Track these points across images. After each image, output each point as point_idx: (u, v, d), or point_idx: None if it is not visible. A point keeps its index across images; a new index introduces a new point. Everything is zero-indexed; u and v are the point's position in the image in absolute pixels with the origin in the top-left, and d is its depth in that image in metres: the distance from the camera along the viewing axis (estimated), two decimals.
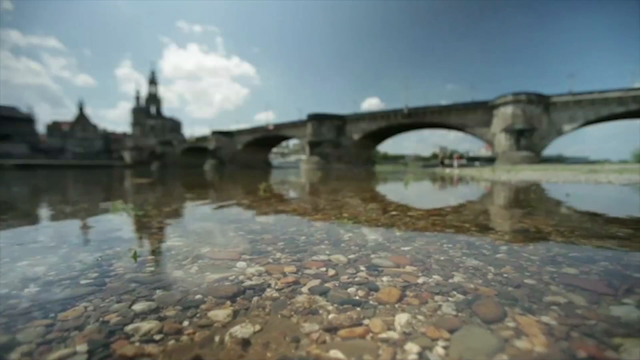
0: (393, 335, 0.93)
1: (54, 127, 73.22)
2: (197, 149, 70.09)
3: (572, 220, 2.90)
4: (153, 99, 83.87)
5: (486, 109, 41.99)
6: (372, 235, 2.27)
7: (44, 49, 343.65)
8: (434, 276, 1.41)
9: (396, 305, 1.13)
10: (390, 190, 7.14)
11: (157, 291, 1.30)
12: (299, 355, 0.84)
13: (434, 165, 50.22)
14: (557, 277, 1.37)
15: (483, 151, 68.70)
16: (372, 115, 51.56)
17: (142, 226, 2.81)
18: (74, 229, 2.84)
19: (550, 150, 50.69)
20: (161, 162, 65.51)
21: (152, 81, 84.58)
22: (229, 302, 1.18)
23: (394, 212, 3.31)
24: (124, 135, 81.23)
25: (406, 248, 1.89)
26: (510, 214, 3.34)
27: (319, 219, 3.00)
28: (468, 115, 43.70)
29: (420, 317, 1.03)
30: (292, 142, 79.85)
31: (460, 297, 1.18)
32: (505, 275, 1.41)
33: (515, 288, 1.26)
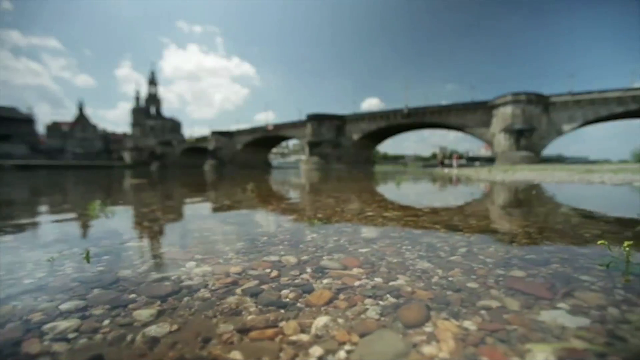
0: (303, 338, 0.91)
1: (54, 128, 73.30)
2: (197, 150, 70.17)
3: (547, 221, 2.86)
4: (153, 99, 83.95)
5: (486, 109, 41.91)
6: (336, 236, 2.24)
7: (44, 49, 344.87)
8: (375, 279, 1.38)
9: (322, 308, 1.10)
10: (380, 190, 7.10)
11: (95, 290, 1.30)
12: (200, 355, 0.83)
13: (433, 165, 50.18)
14: (501, 281, 1.33)
15: (483, 151, 68.62)
16: (371, 116, 51.50)
17: (112, 226, 2.79)
18: (45, 230, 2.83)
19: (550, 150, 50.65)
20: (161, 163, 65.58)
21: (152, 81, 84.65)
22: (159, 302, 1.17)
23: (370, 213, 3.28)
24: (124, 135, 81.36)
25: (364, 250, 1.86)
26: (486, 215, 3.30)
27: (291, 220, 2.98)
28: (467, 115, 43.61)
29: (340, 320, 1.01)
30: (292, 143, 79.92)
31: (392, 300, 1.15)
32: (450, 278, 1.37)
33: (454, 292, 1.22)
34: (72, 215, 3.56)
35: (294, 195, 6.35)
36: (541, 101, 38.25)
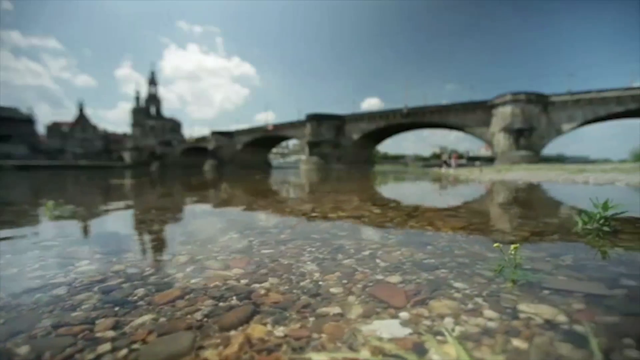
0: (108, 334, 0.91)
1: (54, 128, 73.67)
2: (197, 149, 70.23)
3: (489, 221, 2.80)
4: (153, 99, 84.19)
5: (485, 108, 41.65)
6: (254, 237, 2.19)
7: (44, 49, 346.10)
8: (242, 280, 1.35)
9: (158, 307, 1.10)
10: (361, 189, 7.05)
11: None
12: None
13: (433, 165, 49.94)
14: (370, 286, 1.29)
15: (483, 151, 68.19)
16: (371, 115, 51.35)
17: (54, 226, 2.78)
18: None
19: (551, 150, 50.26)
20: (161, 163, 65.71)
21: (152, 81, 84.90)
22: None
23: (314, 214, 3.23)
24: (124, 135, 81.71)
25: (266, 251, 1.82)
26: (440, 214, 3.24)
27: (227, 222, 2.95)
28: (467, 114, 43.36)
29: (161, 319, 1.01)
30: (292, 142, 79.83)
31: (233, 302, 1.13)
32: (321, 282, 1.34)
33: (309, 296, 1.19)
34: (29, 214, 3.55)
35: (258, 195, 6.32)
36: (540, 101, 37.97)
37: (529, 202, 4.79)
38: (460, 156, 61.76)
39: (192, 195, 6.06)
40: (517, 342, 0.85)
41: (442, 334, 0.89)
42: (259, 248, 1.90)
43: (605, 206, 2.20)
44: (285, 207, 3.78)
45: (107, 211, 3.84)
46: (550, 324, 0.94)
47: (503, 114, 38.97)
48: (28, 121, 66.32)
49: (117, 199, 5.48)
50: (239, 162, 62.44)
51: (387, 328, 0.95)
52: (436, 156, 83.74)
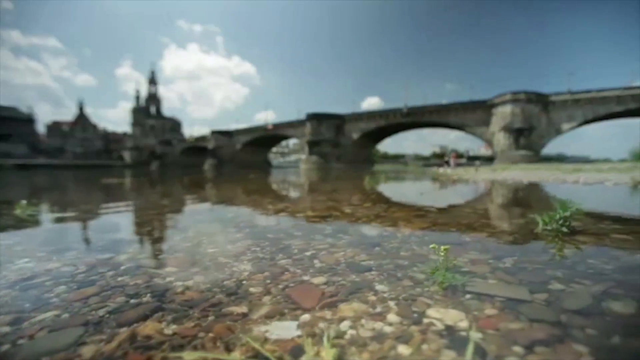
0: None
1: (54, 127, 73.74)
2: (197, 149, 70.27)
3: (463, 219, 2.76)
4: (153, 98, 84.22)
5: (485, 108, 41.50)
6: (214, 237, 2.18)
7: (44, 48, 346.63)
8: (169, 278, 1.34)
9: (67, 305, 1.10)
10: (347, 189, 7.02)
11: None
12: None
13: (433, 164, 49.80)
14: (291, 286, 1.28)
15: (483, 150, 67.93)
16: (371, 115, 51.26)
17: (17, 226, 2.77)
18: None
19: (551, 149, 50.02)
20: (161, 162, 65.77)
21: (152, 81, 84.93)
22: None
23: (283, 213, 3.21)
24: (124, 135, 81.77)
25: (211, 250, 1.80)
26: (409, 215, 3.21)
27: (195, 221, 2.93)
28: (467, 114, 43.22)
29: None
30: (292, 142, 79.84)
31: (144, 300, 1.11)
32: (245, 281, 1.33)
33: (226, 296, 1.18)
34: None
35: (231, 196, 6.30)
36: (540, 100, 37.81)
37: (508, 202, 4.75)
38: (460, 156, 61.61)
39: (174, 195, 6.04)
40: (402, 349, 0.83)
41: (329, 338, 0.87)
42: (207, 247, 1.88)
43: (563, 206, 2.16)
44: (259, 206, 3.76)
45: (77, 211, 3.83)
46: (449, 331, 0.91)
47: (503, 114, 38.83)
48: (28, 120, 66.47)
49: (96, 199, 5.49)
50: (238, 161, 62.44)
51: (282, 329, 0.93)
52: (436, 155, 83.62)
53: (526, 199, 5.19)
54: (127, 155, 73.56)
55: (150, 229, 2.61)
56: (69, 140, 72.40)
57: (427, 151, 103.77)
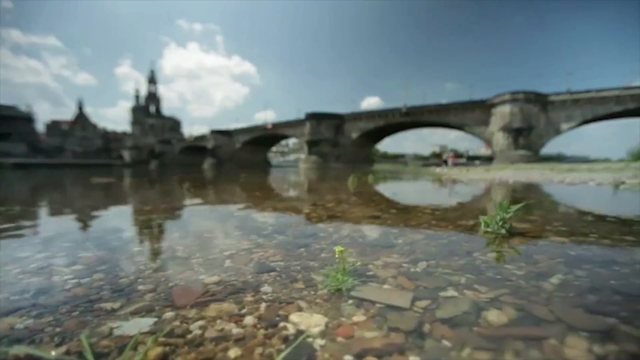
0: None
1: (54, 126, 73.94)
2: (196, 148, 70.35)
3: (416, 220, 2.73)
4: (153, 98, 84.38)
5: (484, 107, 41.39)
6: (162, 235, 2.15)
7: (44, 47, 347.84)
8: (66, 276, 1.30)
9: None
10: (333, 188, 7.00)
11: None
12: None
13: (432, 164, 49.67)
14: (180, 284, 1.25)
15: (483, 150, 67.68)
16: (370, 114, 51.20)
17: None
18: None
19: (551, 149, 49.85)
20: (160, 161, 65.90)
21: (152, 80, 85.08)
22: None
23: (239, 213, 3.18)
24: (124, 134, 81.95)
25: (137, 248, 1.79)
26: (365, 215, 3.17)
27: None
28: (466, 114, 43.12)
29: None
30: (292, 141, 79.86)
31: (18, 297, 1.09)
32: (140, 279, 1.31)
33: (112, 292, 1.17)
34: None
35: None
36: (539, 100, 37.69)
37: (477, 203, 4.71)
38: (459, 155, 61.43)
39: (158, 194, 6.03)
40: (232, 352, 0.80)
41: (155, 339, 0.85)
42: (132, 245, 1.86)
43: (502, 207, 2.12)
44: (223, 203, 3.74)
45: (54, 213, 3.84)
46: (296, 336, 0.88)
47: (502, 113, 38.72)
48: (27, 119, 66.60)
49: (77, 200, 5.48)
50: (237, 161, 62.46)
51: (133, 326, 0.93)
52: (435, 155, 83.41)
53: (498, 200, 5.15)
54: (126, 155, 73.68)
55: (111, 226, 2.59)
56: (69, 139, 72.58)
57: (426, 151, 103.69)
